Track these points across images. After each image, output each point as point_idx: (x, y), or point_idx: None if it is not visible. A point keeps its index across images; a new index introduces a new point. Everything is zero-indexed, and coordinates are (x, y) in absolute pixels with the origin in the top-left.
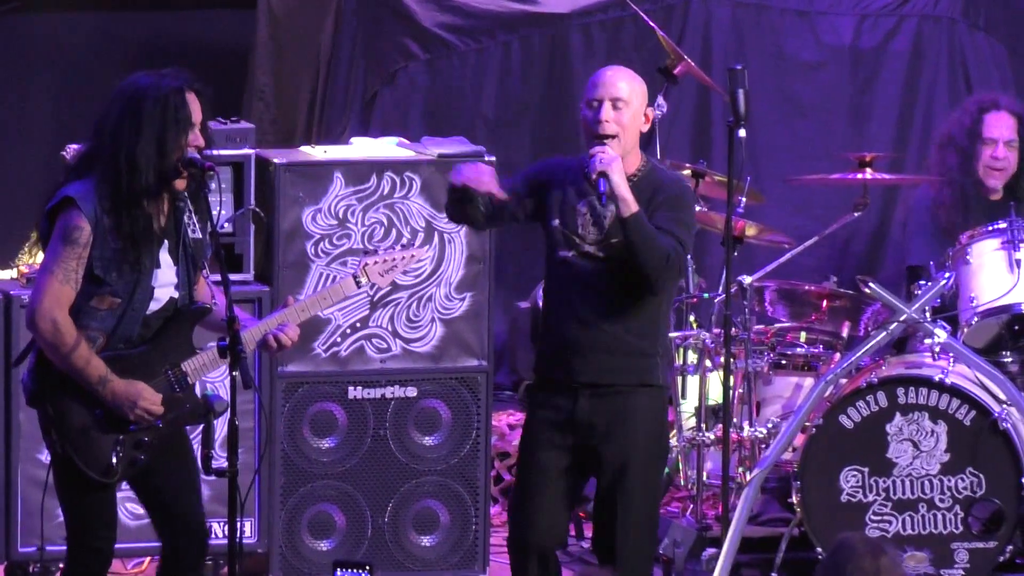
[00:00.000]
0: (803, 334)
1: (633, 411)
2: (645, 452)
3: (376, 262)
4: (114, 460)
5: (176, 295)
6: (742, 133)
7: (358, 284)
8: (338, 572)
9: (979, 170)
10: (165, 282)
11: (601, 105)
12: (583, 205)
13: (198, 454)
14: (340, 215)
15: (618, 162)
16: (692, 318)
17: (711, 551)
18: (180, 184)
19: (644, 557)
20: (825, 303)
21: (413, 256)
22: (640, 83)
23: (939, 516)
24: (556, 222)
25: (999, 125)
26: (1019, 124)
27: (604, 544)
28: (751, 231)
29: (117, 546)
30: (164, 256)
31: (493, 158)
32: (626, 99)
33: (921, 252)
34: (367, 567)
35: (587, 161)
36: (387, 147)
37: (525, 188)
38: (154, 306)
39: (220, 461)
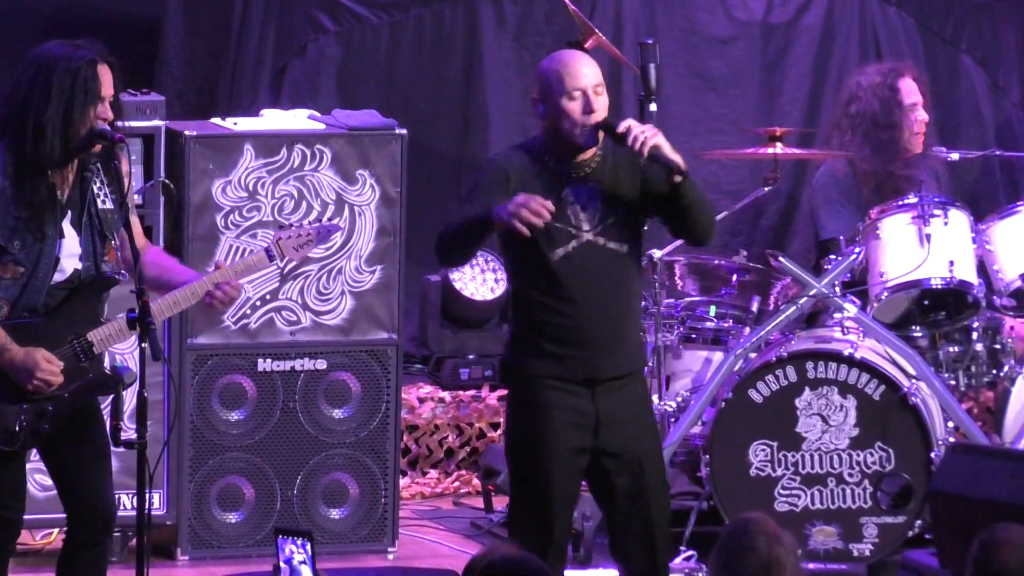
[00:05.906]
0: (713, 308)
1: (641, 401)
2: (655, 441)
3: (290, 236)
4: (17, 428)
5: (81, 266)
6: (653, 107)
7: (270, 258)
8: (280, 539)
9: (905, 139)
10: (70, 253)
11: (585, 94)
12: (570, 193)
13: (107, 427)
14: (250, 187)
15: (654, 128)
16: None
17: None
18: (96, 149)
19: (670, 546)
20: (735, 277)
21: (328, 231)
22: None
23: (848, 491)
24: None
25: (912, 90)
26: (920, 86)
27: (627, 540)
28: None
29: (26, 517)
30: (67, 227)
31: (404, 132)
32: (602, 82)
33: (835, 225)
34: (308, 535)
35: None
36: (298, 119)
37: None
38: (59, 276)
39: (129, 433)
